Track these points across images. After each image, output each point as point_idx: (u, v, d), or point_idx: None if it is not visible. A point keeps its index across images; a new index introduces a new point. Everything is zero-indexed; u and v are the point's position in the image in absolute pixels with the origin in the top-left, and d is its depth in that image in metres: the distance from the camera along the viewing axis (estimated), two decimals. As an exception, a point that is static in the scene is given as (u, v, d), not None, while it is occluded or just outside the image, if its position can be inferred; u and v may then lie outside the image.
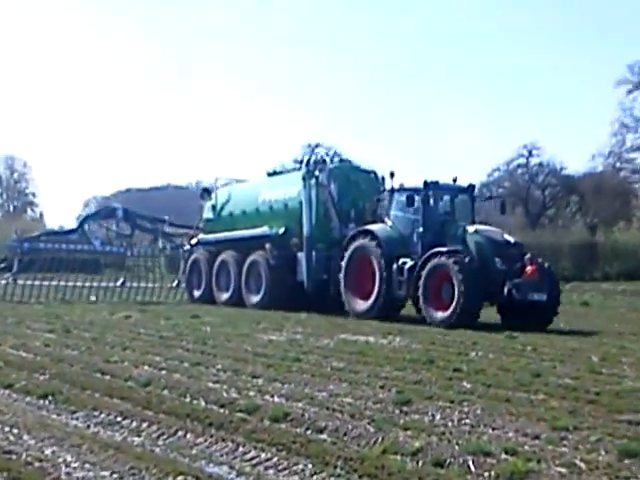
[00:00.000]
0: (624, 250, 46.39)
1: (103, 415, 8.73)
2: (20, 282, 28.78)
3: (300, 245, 24.73)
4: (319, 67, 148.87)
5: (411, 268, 20.58)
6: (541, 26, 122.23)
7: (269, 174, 28.72)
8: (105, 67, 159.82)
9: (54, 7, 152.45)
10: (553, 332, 18.11)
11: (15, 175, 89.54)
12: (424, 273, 19.95)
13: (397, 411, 8.71)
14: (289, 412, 8.42)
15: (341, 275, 22.55)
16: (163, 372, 11.21)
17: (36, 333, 16.37)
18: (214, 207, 28.97)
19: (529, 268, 19.47)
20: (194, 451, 7.33)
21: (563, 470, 6.49)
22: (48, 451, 7.11)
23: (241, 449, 7.35)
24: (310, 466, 6.78)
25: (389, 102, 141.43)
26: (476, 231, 20.44)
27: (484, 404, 9.00)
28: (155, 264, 34.22)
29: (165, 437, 7.84)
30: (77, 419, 8.68)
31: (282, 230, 25.34)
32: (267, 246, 25.39)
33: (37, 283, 28.46)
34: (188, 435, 7.86)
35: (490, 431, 7.85)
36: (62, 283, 29.00)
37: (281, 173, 28.82)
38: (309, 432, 7.83)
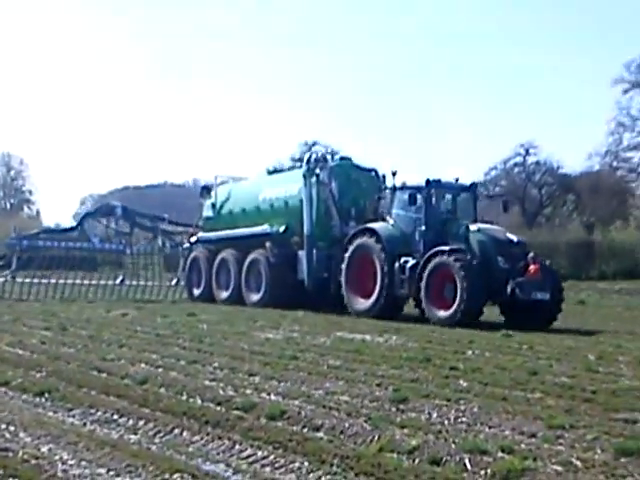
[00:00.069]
0: (621, 249, 46.43)
1: (99, 413, 8.73)
2: (19, 280, 28.74)
3: (301, 243, 24.66)
4: (319, 67, 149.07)
5: (413, 267, 20.50)
6: (540, 26, 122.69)
7: (269, 172, 28.65)
8: (102, 65, 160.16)
9: (53, 6, 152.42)
10: (549, 331, 18.13)
11: (12, 173, 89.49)
12: (426, 272, 19.88)
13: (393, 409, 8.71)
14: (286, 410, 8.42)
15: (342, 273, 22.46)
16: (159, 370, 11.21)
17: (32, 331, 16.35)
18: (214, 205, 28.85)
19: (532, 267, 19.41)
20: (190, 449, 7.33)
21: (559, 468, 6.50)
22: (44, 449, 7.10)
23: (237, 447, 7.35)
24: (306, 464, 6.78)
25: (389, 102, 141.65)
26: (479, 230, 20.37)
27: (480, 402, 9.00)
28: (152, 262, 34.13)
29: (161, 435, 7.84)
30: (73, 417, 8.67)
31: (282, 228, 25.24)
32: (267, 244, 25.30)
33: (36, 281, 28.38)
34: (184, 433, 7.86)
35: (486, 429, 7.85)
36: (61, 281, 28.91)
37: (281, 171, 28.71)
38: (305, 430, 7.83)
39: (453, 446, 7.10)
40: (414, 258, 20.71)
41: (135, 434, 7.89)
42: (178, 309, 23.55)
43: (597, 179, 55.90)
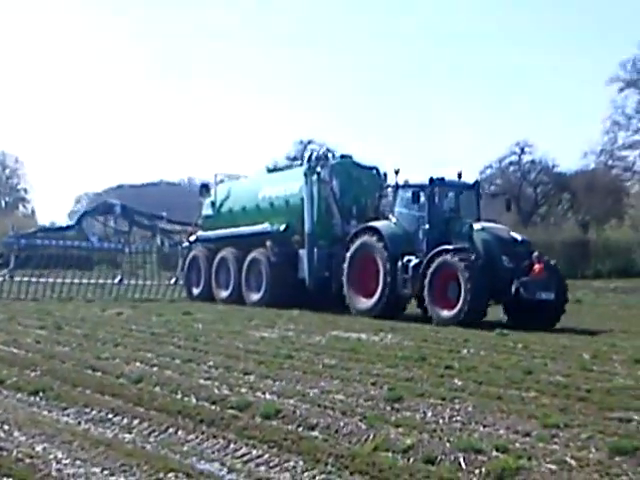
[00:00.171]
0: (616, 248, 46.51)
1: (94, 412, 8.73)
2: (17, 279, 28.66)
3: (301, 242, 24.49)
4: (319, 67, 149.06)
5: (416, 266, 20.32)
6: (540, 26, 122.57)
7: (269, 170, 28.56)
8: (98, 64, 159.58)
9: (52, 5, 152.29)
10: (544, 329, 18.10)
11: (7, 171, 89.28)
12: (430, 271, 19.68)
13: (388, 408, 8.71)
14: (280, 409, 8.42)
15: (344, 273, 22.26)
16: (154, 369, 11.20)
17: (27, 329, 16.33)
18: (213, 203, 28.65)
19: (537, 266, 19.25)
20: (185, 448, 7.33)
21: (554, 467, 6.51)
22: (39, 448, 7.10)
23: (232, 446, 7.35)
24: (301, 463, 6.78)
25: (389, 102, 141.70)
26: (483, 228, 20.20)
27: (475, 401, 9.01)
28: (147, 261, 34.05)
29: (156, 434, 7.84)
30: (68, 416, 8.67)
31: (283, 227, 25.06)
32: (268, 243, 25.10)
33: (34, 280, 28.27)
34: (179, 432, 7.86)
35: (481, 428, 7.86)
36: (59, 280, 28.80)
37: (282, 169, 28.61)
38: (300, 429, 7.83)
39: (448, 445, 7.11)
40: (417, 257, 20.54)
41: (130, 433, 7.89)
42: (173, 308, 23.54)
43: (592, 178, 55.94)
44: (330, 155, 25.19)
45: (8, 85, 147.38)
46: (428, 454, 6.87)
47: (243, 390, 9.59)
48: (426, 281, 19.75)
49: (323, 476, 6.50)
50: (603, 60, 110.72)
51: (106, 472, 6.42)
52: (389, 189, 23.58)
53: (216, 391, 9.51)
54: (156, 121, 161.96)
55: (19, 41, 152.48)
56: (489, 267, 19.14)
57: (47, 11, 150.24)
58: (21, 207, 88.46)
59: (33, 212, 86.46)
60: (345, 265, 22.23)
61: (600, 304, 30.87)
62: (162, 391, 9.63)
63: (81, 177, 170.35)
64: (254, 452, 7.14)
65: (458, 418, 8.27)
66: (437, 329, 17.71)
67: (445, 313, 19.32)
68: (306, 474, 6.56)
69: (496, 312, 20.16)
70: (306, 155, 26.17)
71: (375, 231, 21.55)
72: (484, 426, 7.94)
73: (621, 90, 56.10)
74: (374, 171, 25.54)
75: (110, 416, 8.53)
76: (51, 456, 6.82)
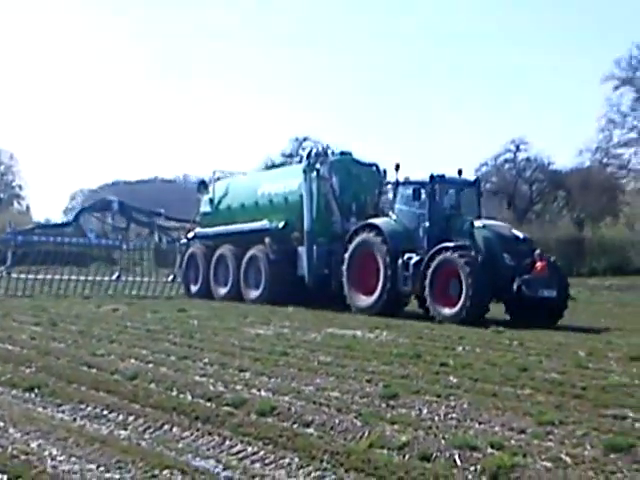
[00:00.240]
0: (611, 245, 46.57)
1: (89, 408, 8.72)
2: (14, 275, 28.59)
3: (301, 239, 24.36)
4: (319, 67, 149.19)
5: (417, 263, 20.22)
6: (538, 26, 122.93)
7: (268, 167, 28.45)
8: (94, 61, 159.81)
9: (50, 3, 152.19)
10: (540, 327, 18.12)
11: (1, 168, 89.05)
12: (431, 269, 19.60)
13: (384, 405, 8.72)
14: (276, 406, 8.42)
15: (344, 270, 22.15)
16: (150, 365, 11.19)
17: (22, 326, 16.31)
18: (211, 200, 28.53)
19: (539, 264, 19.16)
20: (180, 445, 7.33)
21: (549, 464, 6.51)
22: (34, 444, 7.09)
23: (228, 443, 7.35)
24: (297, 460, 6.78)
25: (389, 102, 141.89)
26: (484, 226, 20.13)
27: (470, 398, 9.01)
28: (142, 258, 33.95)
29: (151, 431, 7.83)
30: (63, 412, 8.67)
31: (282, 224, 24.93)
32: (267, 240, 24.98)
33: (31, 277, 28.19)
34: (174, 429, 7.85)
35: (476, 425, 7.87)
36: (57, 277, 28.71)
37: (281, 166, 28.50)
38: (296, 426, 7.83)
39: (443, 442, 7.11)
40: (418, 254, 20.43)
41: (125, 430, 7.89)
42: (169, 305, 23.53)
43: (587, 176, 55.97)
44: (329, 152, 25.07)
45: (4, 82, 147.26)
46: (423, 451, 6.88)
47: (238, 387, 9.59)
48: (427, 279, 19.68)
49: (318, 473, 6.49)
50: (599, 59, 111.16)
51: (101, 469, 6.41)
52: (389, 186, 23.51)
53: (211, 388, 9.50)
54: (152, 118, 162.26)
55: (16, 39, 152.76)
56: (490, 264, 19.07)
57: (46, 9, 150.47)
58: (16, 204, 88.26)
59: (28, 209, 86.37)
60: (345, 262, 22.13)
61: (595, 302, 30.96)
62: (157, 388, 9.62)
63: (76, 174, 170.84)
64: (249, 449, 7.14)
65: (453, 415, 8.27)
66: (432, 326, 17.71)
67: (446, 311, 19.24)
68: (301, 471, 6.56)
69: (493, 310, 20.14)
70: (305, 152, 26.06)
71: (375, 228, 21.46)
72: (479, 423, 7.95)
73: (616, 88, 56.11)
74: (374, 168, 25.41)
75: (105, 413, 8.52)
76: (46, 453, 6.81)
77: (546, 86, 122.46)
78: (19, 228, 33.52)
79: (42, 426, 7.69)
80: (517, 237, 20.24)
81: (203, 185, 29.89)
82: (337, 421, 7.85)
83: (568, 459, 6.63)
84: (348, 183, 24.55)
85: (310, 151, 25.18)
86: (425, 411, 8.46)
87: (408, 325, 17.98)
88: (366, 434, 7.41)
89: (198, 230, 29.41)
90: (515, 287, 18.87)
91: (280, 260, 24.71)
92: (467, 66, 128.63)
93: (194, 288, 28.41)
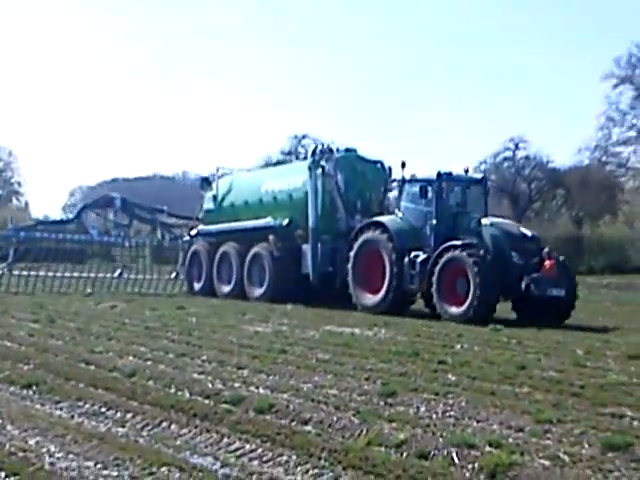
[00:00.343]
0: (609, 244, 46.59)
1: (87, 405, 8.72)
2: (16, 272, 28.52)
3: (305, 237, 24.19)
4: (319, 67, 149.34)
5: (424, 261, 20.05)
6: (538, 26, 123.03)
7: (268, 165, 28.29)
8: (92, 59, 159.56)
9: (50, 1, 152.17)
10: (538, 325, 18.12)
11: (0, 164, 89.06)
12: (438, 267, 19.43)
13: (382, 403, 8.72)
14: (274, 403, 8.42)
15: (349, 268, 21.98)
16: (148, 363, 11.19)
17: (21, 323, 16.30)
18: (215, 197, 28.39)
19: (547, 262, 19.01)
20: (178, 442, 7.33)
21: (546, 463, 6.52)
22: (32, 441, 7.09)
23: (226, 440, 7.35)
24: (295, 457, 6.78)
25: (388, 102, 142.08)
26: (492, 224, 19.95)
27: (469, 396, 9.02)
28: (141, 254, 33.79)
29: (149, 428, 7.83)
30: (61, 409, 8.66)
31: (286, 221, 24.81)
32: (271, 238, 24.90)
33: (33, 274, 28.11)
34: (172, 426, 7.85)
35: (474, 423, 7.87)
36: (58, 274, 28.60)
37: (280, 163, 28.32)
38: (294, 424, 7.83)
39: (441, 440, 7.11)
40: (424, 252, 20.24)
41: (123, 427, 7.89)
42: (167, 302, 23.51)
43: (586, 174, 55.93)
44: (335, 149, 24.86)
45: (3, 79, 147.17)
46: (421, 449, 6.88)
47: (237, 384, 9.59)
48: (434, 277, 19.52)
49: (316, 470, 6.50)
50: (599, 58, 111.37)
51: (99, 466, 6.41)
52: (395, 183, 23.37)
53: (209, 385, 9.50)
54: (151, 115, 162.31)
55: (16, 37, 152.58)
56: (498, 263, 18.88)
57: (46, 8, 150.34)
58: (15, 200, 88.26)
59: (27, 205, 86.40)
60: (350, 260, 21.96)
61: (593, 300, 30.87)
62: (155, 385, 9.63)
63: (75, 171, 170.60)
64: (247, 446, 7.14)
65: (451, 413, 8.28)
66: (431, 324, 17.72)
67: (454, 309, 19.08)
68: (299, 468, 6.56)
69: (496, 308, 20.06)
70: (310, 148, 25.84)
71: (381, 226, 21.28)
72: (477, 421, 7.95)
73: (615, 86, 56.11)
74: (379, 165, 25.21)
75: (103, 410, 8.52)
76: (44, 450, 6.81)
77: (545, 85, 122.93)
78: (20, 225, 33.42)
79: (40, 423, 7.70)
80: (525, 235, 20.04)
81: (206, 182, 29.74)
82: (335, 419, 7.85)
83: (566, 457, 6.63)
84: (353, 180, 24.39)
85: (315, 148, 24.82)
86: (423, 409, 8.46)
87: (406, 323, 17.98)
88: (364, 432, 7.41)
89: (201, 227, 29.27)
90: (523, 286, 18.69)
91: (284, 258, 24.55)
92: (467, 66, 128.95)
93: (197, 286, 28.28)
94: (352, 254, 21.92)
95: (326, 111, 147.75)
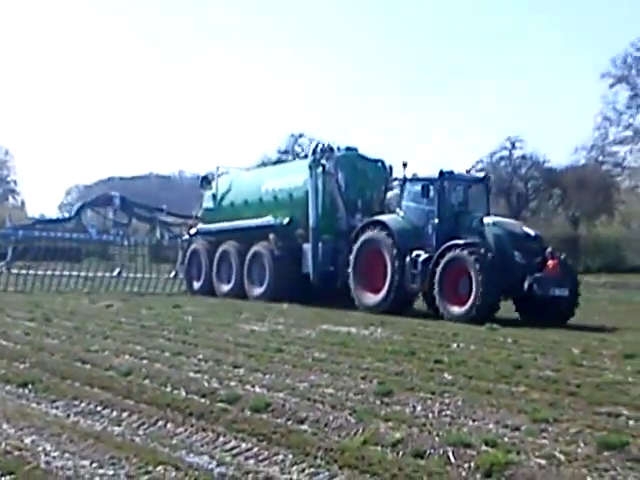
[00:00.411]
0: (605, 244, 46.70)
1: (83, 404, 8.70)
2: (14, 271, 28.46)
3: (305, 236, 24.09)
4: (319, 67, 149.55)
5: (425, 261, 19.93)
6: (539, 26, 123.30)
7: (265, 164, 28.24)
8: (89, 57, 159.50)
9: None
10: (534, 324, 18.14)
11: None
12: (440, 266, 19.33)
13: (378, 402, 8.71)
14: (270, 402, 8.41)
15: (350, 268, 21.89)
16: (144, 361, 11.17)
17: (16, 321, 16.28)
18: (214, 196, 28.30)
19: (550, 262, 18.93)
20: (174, 441, 7.31)
21: (542, 462, 6.51)
22: (27, 440, 7.07)
23: (221, 439, 7.34)
24: (290, 456, 6.77)
25: (388, 101, 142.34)
26: (494, 223, 19.88)
27: (465, 395, 9.02)
28: (138, 253, 33.67)
29: (145, 427, 7.82)
30: (57, 408, 8.64)
31: (287, 220, 24.73)
32: (271, 237, 24.81)
33: (32, 272, 28.06)
34: (168, 425, 7.84)
35: (470, 422, 7.86)
36: (57, 272, 28.56)
37: (278, 162, 28.25)
38: (290, 423, 7.82)
39: (437, 439, 7.11)
40: (426, 252, 20.13)
41: (119, 426, 7.87)
42: (163, 301, 23.49)
43: (583, 173, 55.98)
44: (335, 147, 24.77)
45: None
46: (417, 448, 6.87)
47: (232, 383, 9.58)
48: (436, 277, 19.42)
49: (312, 470, 6.48)
50: (596, 58, 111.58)
51: (95, 465, 6.39)
52: (396, 182, 23.32)
53: (205, 384, 9.49)
54: (147, 114, 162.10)
55: (11, 35, 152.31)
56: (501, 262, 18.77)
57: (42, 7, 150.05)
58: (11, 199, 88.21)
59: (23, 204, 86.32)
60: (351, 260, 21.86)
61: (589, 300, 30.84)
62: (151, 384, 9.61)
63: (71, 169, 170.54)
64: (243, 445, 7.13)
65: (447, 412, 8.27)
66: (427, 323, 17.73)
67: (456, 309, 19.00)
68: (295, 467, 6.55)
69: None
70: (311, 147, 25.76)
71: (383, 225, 21.19)
72: (473, 420, 7.95)
73: (612, 86, 56.17)
74: (379, 164, 25.11)
75: (99, 409, 8.51)
76: (40, 448, 6.79)
77: (542, 85, 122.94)
78: (19, 223, 33.36)
79: (36, 422, 7.68)
80: (528, 234, 19.99)
81: (206, 180, 29.62)
82: (331, 418, 7.84)
83: (562, 456, 6.63)
84: (354, 179, 24.32)
85: (316, 146, 24.71)
86: (419, 408, 8.46)
87: (403, 322, 17.99)
88: (360, 431, 7.40)
89: (201, 226, 29.16)
90: (526, 286, 18.62)
91: (284, 257, 24.47)
92: (467, 66, 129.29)
93: (196, 285, 28.20)
94: (353, 253, 21.83)
95: (324, 110, 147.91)
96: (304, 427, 7.67)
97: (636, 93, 56.21)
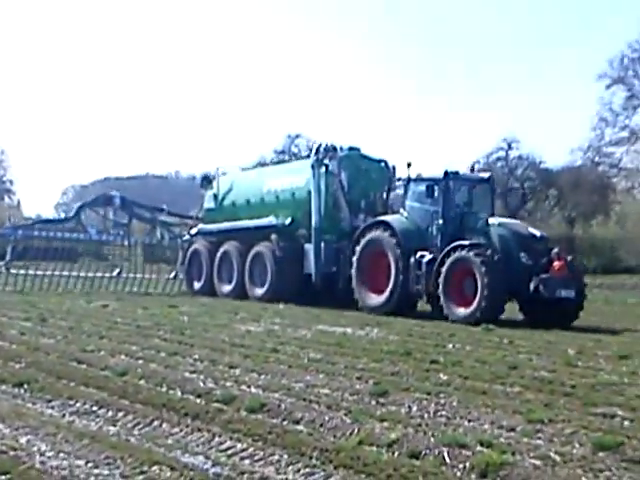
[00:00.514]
0: (601, 244, 46.71)
1: (79, 404, 8.69)
2: (13, 271, 28.39)
3: (308, 236, 23.99)
4: (318, 66, 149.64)
5: (430, 262, 19.78)
6: (538, 25, 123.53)
7: (262, 164, 28.17)
8: (86, 57, 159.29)
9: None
10: (530, 325, 18.16)
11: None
12: (445, 267, 19.16)
13: (373, 402, 8.72)
14: (266, 403, 8.41)
15: (353, 268, 21.70)
16: (140, 362, 11.17)
17: (12, 321, 16.26)
18: (215, 196, 28.18)
19: (557, 263, 18.77)
20: (170, 441, 7.31)
21: (537, 462, 6.52)
22: (23, 440, 7.06)
23: (217, 439, 7.34)
24: (286, 457, 6.77)
25: (388, 101, 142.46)
26: (500, 224, 19.76)
27: (460, 396, 9.02)
28: (132, 253, 33.58)
29: (141, 427, 7.81)
30: (52, 408, 8.63)
31: (289, 220, 24.63)
32: (273, 237, 24.68)
33: (31, 272, 27.97)
34: (164, 425, 7.84)
35: (466, 423, 7.87)
36: (57, 273, 28.44)
37: (278, 163, 28.15)
38: (285, 423, 7.83)
39: (432, 439, 7.11)
40: (431, 253, 19.97)
41: (114, 426, 7.87)
42: (159, 301, 23.47)
43: (579, 174, 56.01)
44: (338, 147, 24.65)
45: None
46: (412, 448, 6.88)
47: (228, 384, 9.58)
48: (441, 278, 19.26)
49: (307, 470, 6.49)
50: (595, 58, 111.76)
51: (90, 465, 6.39)
52: (399, 182, 23.22)
53: (201, 384, 9.49)
54: (144, 114, 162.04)
55: (8, 36, 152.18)
56: (506, 263, 18.62)
57: (40, 6, 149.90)
58: (7, 199, 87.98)
59: (19, 204, 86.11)
60: (354, 261, 21.68)
61: (585, 300, 30.96)
62: (147, 384, 9.61)
63: (67, 170, 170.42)
64: (239, 445, 7.13)
65: (443, 413, 8.28)
66: (423, 323, 17.74)
67: (461, 311, 18.84)
68: (290, 468, 6.55)
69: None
70: (314, 147, 25.65)
71: (386, 226, 21.00)
72: (469, 421, 7.96)
73: (608, 87, 56.19)
74: (382, 164, 25.00)
75: (95, 409, 8.50)
76: (35, 448, 6.79)
77: (539, 85, 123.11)
78: (19, 223, 33.29)
79: (31, 422, 7.67)
80: (534, 235, 19.78)
81: (207, 181, 29.48)
82: (327, 418, 7.85)
83: (557, 457, 6.64)
84: (357, 179, 24.24)
85: (319, 146, 24.57)
86: (415, 408, 8.47)
87: (399, 322, 17.99)
88: (355, 431, 7.41)
89: (201, 226, 29.02)
90: (532, 287, 18.48)
91: (286, 257, 24.31)
92: (467, 66, 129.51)
93: (197, 285, 28.04)
94: (356, 254, 21.66)
95: (325, 111, 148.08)
96: (300, 427, 7.68)
97: (632, 94, 56.22)
